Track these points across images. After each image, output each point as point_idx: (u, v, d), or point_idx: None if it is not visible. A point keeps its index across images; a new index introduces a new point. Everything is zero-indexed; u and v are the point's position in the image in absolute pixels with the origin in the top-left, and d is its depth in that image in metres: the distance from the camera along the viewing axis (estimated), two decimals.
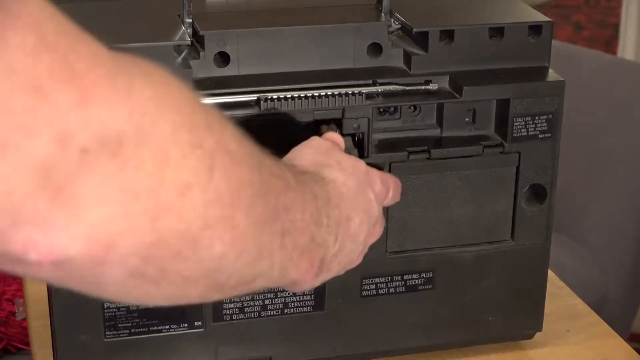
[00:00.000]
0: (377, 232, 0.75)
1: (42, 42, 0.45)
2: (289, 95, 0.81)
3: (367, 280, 0.87)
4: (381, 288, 0.88)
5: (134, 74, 0.49)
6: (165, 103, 0.50)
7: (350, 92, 0.81)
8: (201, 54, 0.81)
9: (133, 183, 0.48)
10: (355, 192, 0.71)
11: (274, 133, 0.77)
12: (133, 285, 0.52)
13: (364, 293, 0.88)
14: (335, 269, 0.70)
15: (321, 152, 0.73)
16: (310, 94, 0.81)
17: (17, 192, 0.44)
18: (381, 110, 0.85)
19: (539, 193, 0.88)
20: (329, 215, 0.67)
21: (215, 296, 0.59)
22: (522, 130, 0.85)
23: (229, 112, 0.80)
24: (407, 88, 0.84)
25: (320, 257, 0.66)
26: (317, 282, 0.68)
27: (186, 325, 0.85)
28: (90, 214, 0.47)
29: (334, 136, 0.78)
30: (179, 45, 0.82)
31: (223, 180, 0.52)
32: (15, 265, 0.47)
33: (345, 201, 0.70)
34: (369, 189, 0.73)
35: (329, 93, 0.81)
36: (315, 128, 0.81)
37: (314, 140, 0.75)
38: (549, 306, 0.93)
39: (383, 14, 0.87)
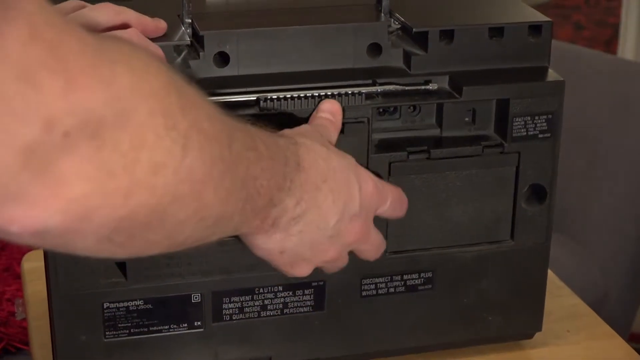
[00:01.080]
0: (356, 232, 0.75)
1: (33, 33, 0.47)
2: (289, 95, 0.81)
3: (367, 280, 0.87)
4: (381, 288, 0.88)
5: (116, 61, 0.52)
6: (143, 89, 0.53)
7: (349, 92, 0.81)
8: (201, 54, 0.81)
9: (109, 163, 0.52)
10: (336, 169, 0.73)
11: None
12: (101, 248, 0.57)
13: (364, 293, 0.88)
14: (295, 237, 0.71)
15: (307, 133, 0.75)
16: (310, 94, 0.81)
17: (3, 172, 0.48)
18: (381, 110, 0.85)
19: (538, 193, 0.88)
20: (293, 179, 0.69)
21: (172, 250, 0.63)
22: (522, 130, 0.85)
23: (228, 112, 0.79)
24: (407, 88, 0.84)
25: (274, 216, 0.69)
26: (273, 243, 0.71)
27: (186, 325, 0.85)
28: (69, 190, 0.51)
29: (331, 106, 0.80)
30: (179, 46, 0.82)
31: (196, 159, 0.57)
32: None
33: (318, 170, 0.71)
34: (354, 179, 0.74)
35: (329, 93, 0.81)
36: None
37: (306, 127, 0.78)
38: (548, 306, 0.93)
39: (383, 14, 0.87)
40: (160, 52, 0.78)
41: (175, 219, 0.58)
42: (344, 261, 0.77)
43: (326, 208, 0.72)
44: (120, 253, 0.59)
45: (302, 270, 0.75)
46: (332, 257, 0.75)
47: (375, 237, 0.78)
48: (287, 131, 0.75)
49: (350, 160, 0.75)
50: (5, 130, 0.47)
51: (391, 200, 0.78)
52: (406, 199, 0.80)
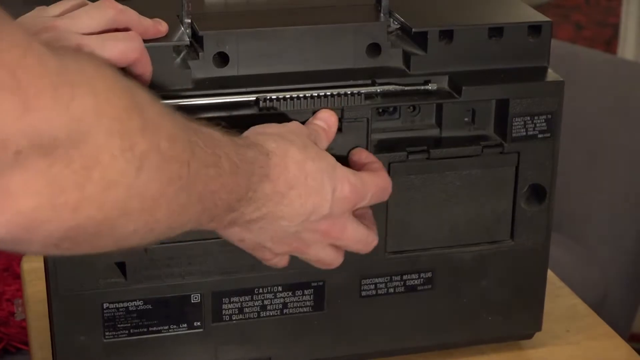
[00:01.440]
0: (322, 230, 0.75)
1: None
2: (288, 96, 0.81)
3: (367, 280, 0.87)
4: (380, 288, 0.88)
5: (77, 83, 0.53)
6: (104, 110, 0.54)
7: (349, 92, 0.81)
8: (200, 54, 0.81)
9: (60, 179, 0.53)
10: (308, 174, 0.73)
11: None
12: (47, 252, 0.60)
13: (364, 293, 0.88)
14: (254, 231, 0.73)
15: (292, 131, 0.76)
16: (309, 94, 0.81)
17: None
18: (380, 110, 0.85)
19: (538, 193, 0.88)
20: (256, 190, 0.70)
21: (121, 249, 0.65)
22: (522, 130, 0.85)
23: (227, 113, 0.80)
24: (406, 88, 0.84)
25: (231, 220, 0.70)
26: (231, 235, 0.74)
27: (185, 325, 0.85)
28: (17, 204, 0.52)
29: (328, 116, 0.80)
30: (178, 46, 0.82)
31: (150, 178, 0.58)
32: None
33: (287, 178, 0.72)
34: (328, 182, 0.74)
35: (328, 93, 0.81)
36: None
37: (295, 124, 0.78)
38: (548, 306, 0.93)
39: (382, 14, 0.87)
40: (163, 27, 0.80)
41: (124, 231, 0.59)
42: (320, 255, 0.77)
43: (290, 212, 0.72)
44: (68, 254, 0.61)
45: (265, 256, 0.76)
46: (296, 248, 0.76)
47: (354, 232, 0.77)
48: (270, 128, 0.75)
49: (328, 162, 0.75)
50: None
51: (372, 194, 0.77)
52: (389, 184, 0.79)
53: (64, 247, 0.57)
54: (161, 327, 0.85)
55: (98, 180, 0.54)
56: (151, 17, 0.80)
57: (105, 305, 0.83)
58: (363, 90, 0.82)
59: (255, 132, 0.75)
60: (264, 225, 0.72)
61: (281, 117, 0.80)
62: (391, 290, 0.88)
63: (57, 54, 0.52)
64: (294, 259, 0.85)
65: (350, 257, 0.85)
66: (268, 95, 0.80)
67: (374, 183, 0.78)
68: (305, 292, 0.87)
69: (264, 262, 0.78)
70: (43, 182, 0.52)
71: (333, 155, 0.76)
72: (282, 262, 0.78)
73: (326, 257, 0.78)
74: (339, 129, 0.81)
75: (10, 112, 0.49)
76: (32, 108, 0.50)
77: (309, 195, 0.73)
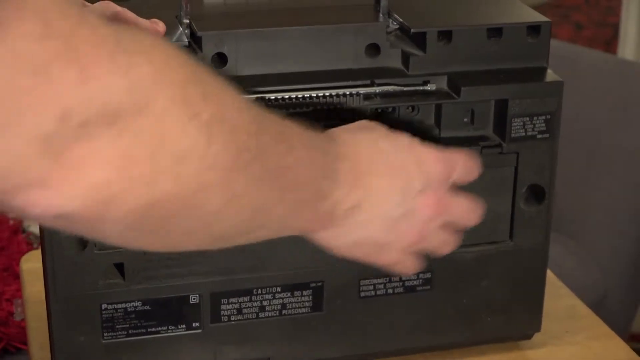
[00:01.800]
0: (430, 204, 0.72)
1: (47, 28, 0.48)
2: (287, 96, 0.81)
3: (366, 280, 0.87)
4: (379, 289, 0.88)
5: (134, 51, 0.52)
6: (163, 78, 0.53)
7: (348, 93, 0.81)
8: (199, 54, 0.81)
9: (130, 150, 0.52)
10: (384, 151, 0.71)
11: None
12: (133, 236, 0.57)
13: (362, 294, 0.88)
14: (363, 226, 0.70)
15: (358, 124, 0.74)
16: (308, 95, 0.81)
17: (21, 160, 0.49)
18: (379, 110, 0.85)
19: (537, 193, 0.88)
20: (336, 169, 0.68)
21: (217, 245, 0.63)
22: (521, 130, 0.85)
23: None
24: (405, 88, 0.84)
25: (328, 210, 0.68)
26: (342, 237, 0.70)
27: (184, 326, 0.85)
28: (89, 177, 0.51)
29: None
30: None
31: (220, 148, 0.56)
32: (21, 215, 0.53)
33: (363, 157, 0.70)
34: (409, 157, 0.72)
35: (327, 94, 0.81)
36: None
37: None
38: (548, 306, 0.93)
39: (381, 15, 0.87)
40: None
41: (206, 209, 0.57)
42: (432, 241, 0.75)
43: (384, 190, 0.70)
44: (157, 243, 0.59)
45: (390, 257, 0.73)
46: (415, 238, 0.73)
47: (459, 203, 0.75)
48: (328, 131, 0.73)
49: (402, 138, 0.73)
50: (21, 123, 0.48)
51: (460, 166, 0.75)
52: (477, 161, 0.77)
53: (148, 229, 0.56)
54: (160, 328, 0.85)
55: (170, 151, 0.53)
56: (150, 17, 0.81)
57: (104, 306, 0.83)
58: (362, 90, 0.82)
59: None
60: (368, 216, 0.70)
61: None
62: (390, 290, 0.88)
63: (111, 25, 0.52)
64: (293, 260, 0.85)
65: (350, 257, 0.85)
66: (267, 96, 0.80)
67: (459, 155, 0.76)
68: (304, 292, 0.86)
69: (391, 270, 0.74)
70: (114, 154, 0.51)
71: None
72: (408, 263, 0.75)
73: (447, 237, 0.75)
74: None
75: (69, 81, 0.48)
76: (90, 76, 0.49)
77: (394, 171, 0.71)
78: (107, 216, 0.53)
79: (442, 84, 0.85)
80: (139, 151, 0.52)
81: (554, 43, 0.88)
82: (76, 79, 0.49)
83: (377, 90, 0.83)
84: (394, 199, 0.71)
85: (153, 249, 0.62)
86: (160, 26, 0.81)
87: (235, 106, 0.59)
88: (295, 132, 0.65)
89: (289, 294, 0.86)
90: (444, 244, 0.76)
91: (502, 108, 0.85)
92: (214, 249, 0.64)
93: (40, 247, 0.82)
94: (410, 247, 0.74)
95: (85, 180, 0.51)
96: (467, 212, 0.76)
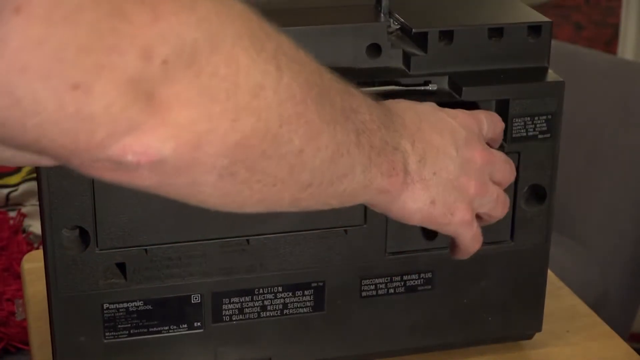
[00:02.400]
0: (480, 151, 0.74)
1: None
2: None
3: (367, 280, 0.87)
4: (380, 289, 0.88)
5: None
6: (226, 14, 0.54)
7: None
8: None
9: (210, 88, 0.53)
10: (424, 112, 0.73)
11: None
12: (227, 188, 0.57)
13: (364, 294, 0.88)
14: (434, 180, 0.71)
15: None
16: None
17: (114, 106, 0.49)
18: None
19: (538, 193, 0.88)
20: (393, 121, 0.69)
21: (304, 201, 0.63)
22: (522, 130, 0.85)
23: None
24: (407, 88, 0.84)
25: (402, 161, 0.69)
26: (420, 196, 0.70)
27: (186, 326, 0.85)
28: (176, 117, 0.52)
29: None
30: None
31: (291, 79, 0.57)
32: (117, 172, 0.53)
33: (410, 114, 0.71)
34: (443, 114, 0.74)
35: None
36: None
37: None
38: (548, 306, 0.93)
39: (382, 14, 0.87)
40: None
41: (290, 147, 0.58)
42: (492, 194, 0.75)
43: (438, 141, 0.72)
44: (250, 198, 0.59)
45: (464, 214, 0.73)
46: (476, 189, 0.74)
47: (500, 154, 0.77)
48: None
49: (432, 103, 0.76)
50: (108, 67, 0.49)
51: (485, 117, 0.78)
52: (497, 115, 0.81)
53: (241, 176, 0.57)
54: (161, 328, 0.85)
55: (246, 85, 0.54)
56: None
57: (105, 306, 0.83)
58: (363, 90, 0.82)
59: None
60: (434, 168, 0.71)
61: None
62: (391, 290, 0.88)
63: None
64: (295, 259, 0.85)
65: (351, 257, 0.86)
66: None
67: (480, 111, 0.79)
68: (306, 292, 0.87)
69: (464, 233, 0.75)
70: (194, 92, 0.52)
71: None
72: (475, 226, 0.76)
73: (500, 193, 0.76)
74: None
75: (144, 20, 0.49)
76: (161, 14, 0.50)
77: (439, 126, 0.72)
78: (200, 161, 0.54)
79: (443, 84, 0.85)
80: (217, 88, 0.53)
81: (553, 43, 0.88)
82: (150, 18, 0.50)
83: (379, 90, 0.83)
84: (449, 150, 0.72)
85: (248, 206, 0.61)
86: None
87: (291, 43, 0.60)
88: (345, 81, 0.66)
89: (290, 294, 0.86)
90: (504, 202, 0.77)
91: (503, 108, 0.85)
92: (304, 208, 0.64)
93: (40, 246, 0.82)
94: (473, 201, 0.74)
95: (173, 121, 0.52)
96: (506, 163, 0.77)
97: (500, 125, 0.81)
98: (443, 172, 0.72)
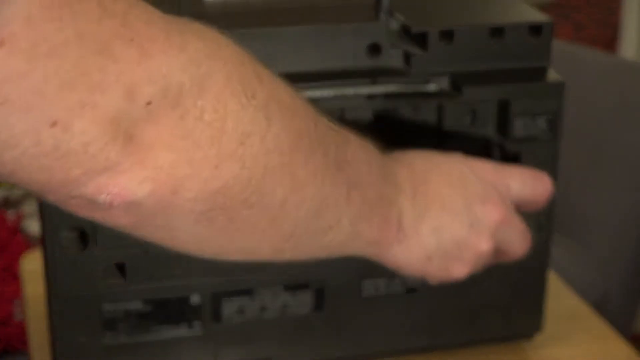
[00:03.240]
0: (497, 210, 0.71)
1: (103, 9, 0.48)
2: None
3: (367, 280, 0.87)
4: (381, 289, 0.88)
5: (186, 31, 0.52)
6: (217, 56, 0.53)
7: (349, 93, 0.81)
8: None
9: (194, 132, 0.52)
10: (438, 163, 0.71)
11: None
12: (203, 234, 0.56)
13: (364, 294, 0.88)
14: (432, 236, 0.69)
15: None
16: (309, 95, 0.80)
17: (92, 144, 0.49)
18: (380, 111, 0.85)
19: None
20: (396, 173, 0.67)
21: (287, 252, 0.61)
22: (523, 130, 0.85)
23: None
24: (407, 88, 0.83)
25: (396, 216, 0.66)
26: (413, 251, 0.69)
27: (185, 326, 0.85)
28: (155, 159, 0.51)
29: None
30: None
31: (280, 129, 0.55)
32: (91, 209, 0.52)
33: (418, 166, 0.69)
34: (463, 167, 0.72)
35: (328, 94, 0.81)
36: None
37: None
38: (549, 306, 0.93)
39: (382, 14, 0.87)
40: None
41: (273, 198, 0.57)
42: (514, 242, 0.74)
43: (446, 198, 0.69)
44: (228, 246, 0.58)
45: (460, 271, 0.73)
46: (487, 248, 0.72)
47: (519, 220, 0.74)
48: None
49: (456, 155, 0.73)
50: (90, 105, 0.48)
51: (520, 176, 0.75)
52: (544, 175, 0.77)
53: (218, 223, 0.55)
54: (161, 328, 0.84)
55: (232, 132, 0.53)
56: None
57: (105, 306, 0.83)
58: (363, 90, 0.82)
59: None
60: (436, 223, 0.69)
61: None
62: (391, 290, 0.88)
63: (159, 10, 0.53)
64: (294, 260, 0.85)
65: (351, 257, 0.85)
66: None
67: (516, 168, 0.75)
68: (306, 292, 0.86)
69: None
70: (177, 136, 0.51)
71: None
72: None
73: (522, 239, 0.75)
74: None
75: (130, 59, 0.49)
76: (149, 53, 0.49)
77: (451, 180, 0.70)
78: (176, 203, 0.53)
79: (443, 83, 0.85)
80: (202, 133, 0.52)
81: (554, 43, 0.87)
82: (137, 57, 0.49)
83: (379, 90, 0.83)
84: (457, 206, 0.70)
85: (226, 253, 0.60)
86: None
87: (287, 90, 0.58)
88: (345, 130, 0.64)
89: (290, 294, 0.86)
90: (522, 242, 0.76)
91: (504, 108, 0.85)
92: (287, 258, 0.62)
93: (40, 246, 0.82)
94: (479, 259, 0.73)
95: (153, 164, 0.51)
96: (521, 235, 0.75)
97: (543, 186, 0.77)
98: (447, 230, 0.70)
